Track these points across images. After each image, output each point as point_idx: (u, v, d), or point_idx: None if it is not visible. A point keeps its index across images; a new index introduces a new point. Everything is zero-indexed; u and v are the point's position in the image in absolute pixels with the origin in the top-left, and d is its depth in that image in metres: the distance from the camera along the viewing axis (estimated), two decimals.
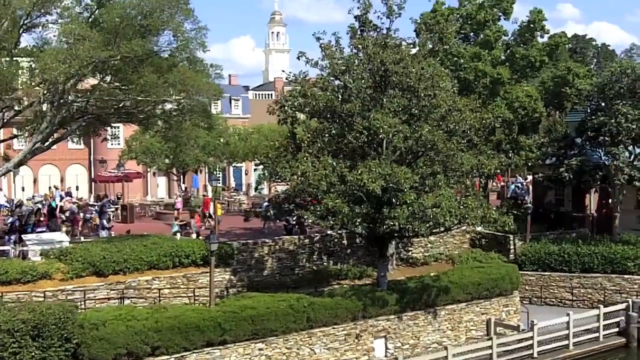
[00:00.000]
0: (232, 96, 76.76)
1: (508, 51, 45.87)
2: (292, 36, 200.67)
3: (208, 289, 29.44)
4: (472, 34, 46.38)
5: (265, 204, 39.28)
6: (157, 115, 34.39)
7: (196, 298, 31.89)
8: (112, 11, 29.51)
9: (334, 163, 29.01)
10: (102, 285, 30.39)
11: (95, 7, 31.38)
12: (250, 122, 70.55)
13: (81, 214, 42.06)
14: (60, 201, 47.90)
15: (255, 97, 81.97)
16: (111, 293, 30.47)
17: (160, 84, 29.79)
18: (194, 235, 38.22)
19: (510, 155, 40.76)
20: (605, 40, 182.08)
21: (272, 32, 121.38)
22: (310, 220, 29.40)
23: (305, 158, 29.00)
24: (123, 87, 31.71)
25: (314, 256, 37.20)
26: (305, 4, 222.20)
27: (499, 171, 51.71)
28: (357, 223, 28.71)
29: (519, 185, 57.52)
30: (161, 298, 31.18)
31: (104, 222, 39.95)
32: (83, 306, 29.16)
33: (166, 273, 32.11)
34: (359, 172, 27.66)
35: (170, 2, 30.22)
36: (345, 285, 33.91)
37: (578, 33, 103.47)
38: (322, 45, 32.17)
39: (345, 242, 37.86)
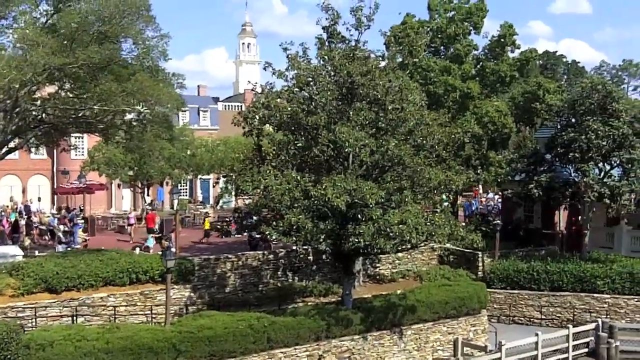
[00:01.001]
0: (200, 107, 75.67)
1: (478, 66, 45.41)
2: (265, 49, 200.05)
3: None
4: (442, 47, 45.86)
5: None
6: (118, 125, 33.29)
7: (153, 316, 30.75)
8: (69, 16, 28.36)
9: (298, 177, 28.03)
10: (55, 303, 29.08)
11: (53, 12, 30.14)
12: (219, 133, 69.57)
13: (61, 227, 40.89)
14: (21, 214, 46.66)
15: (225, 108, 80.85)
16: (64, 310, 29.17)
17: (118, 93, 28.67)
18: (173, 250, 37.00)
19: (478, 171, 40.05)
20: (576, 57, 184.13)
21: (243, 43, 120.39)
22: (273, 237, 28.24)
23: (268, 171, 27.99)
24: (80, 96, 30.58)
25: (279, 272, 36.29)
26: (279, 18, 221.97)
27: (479, 187, 51.36)
28: (321, 239, 27.63)
29: (490, 198, 57.11)
30: (116, 316, 29.96)
31: (61, 235, 38.73)
32: (34, 324, 27.88)
33: (122, 290, 30.92)
34: (324, 186, 26.70)
35: (130, 8, 29.16)
36: (310, 303, 33.09)
37: (549, 50, 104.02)
38: (289, 56, 31.29)
39: (311, 257, 37.02)
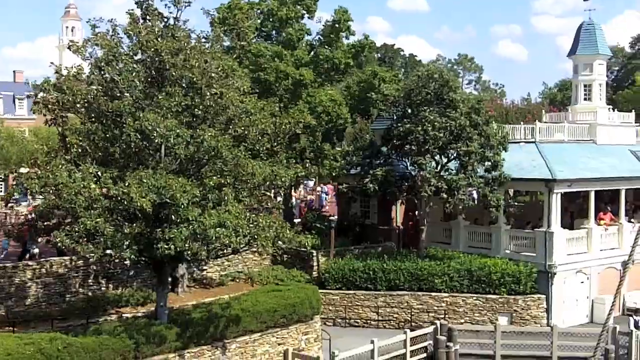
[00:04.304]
0: (16, 95, 68.65)
1: (312, 52, 42.62)
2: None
3: None
4: (273, 32, 42.71)
5: None
6: None
7: None
8: None
9: (99, 173, 23.88)
10: None
11: None
12: (37, 123, 63.16)
13: None
14: None
15: None
16: None
17: None
18: (36, 250, 33.73)
19: (308, 165, 37.15)
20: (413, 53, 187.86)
21: (67, 27, 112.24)
22: (65, 244, 23.78)
23: (60, 166, 23.63)
24: None
25: (90, 280, 32.72)
26: (118, 6, 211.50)
27: (332, 182, 48.83)
28: (126, 246, 23.66)
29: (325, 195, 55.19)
30: None
31: None
32: None
33: None
34: (127, 184, 22.76)
35: None
36: (125, 315, 29.72)
37: (387, 43, 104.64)
38: (97, 34, 26.99)
39: (127, 262, 32.87)
